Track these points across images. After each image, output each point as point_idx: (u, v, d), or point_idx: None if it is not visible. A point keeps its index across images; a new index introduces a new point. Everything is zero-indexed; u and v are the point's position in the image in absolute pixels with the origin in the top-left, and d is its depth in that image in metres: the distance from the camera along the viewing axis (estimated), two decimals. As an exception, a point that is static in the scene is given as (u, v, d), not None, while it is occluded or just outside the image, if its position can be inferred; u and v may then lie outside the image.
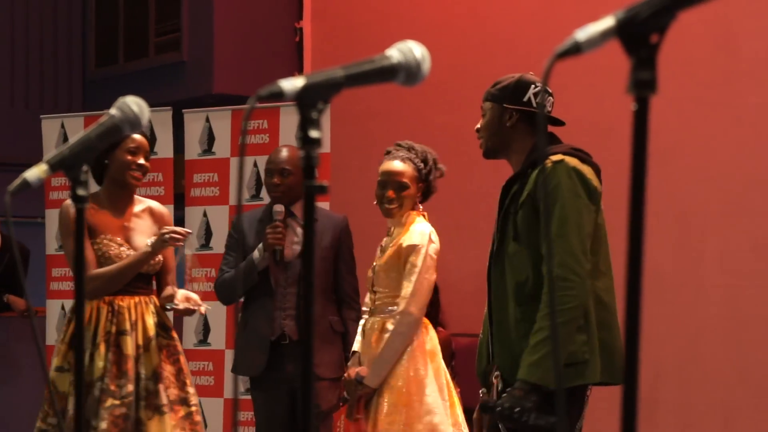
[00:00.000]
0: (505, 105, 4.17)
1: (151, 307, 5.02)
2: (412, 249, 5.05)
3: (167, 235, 4.91)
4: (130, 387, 4.80)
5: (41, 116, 8.05)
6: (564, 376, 3.92)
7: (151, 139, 7.45)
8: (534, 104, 4.17)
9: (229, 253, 5.85)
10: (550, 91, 4.25)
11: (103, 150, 4.83)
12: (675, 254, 6.71)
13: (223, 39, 9.94)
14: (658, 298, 6.57)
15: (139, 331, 4.91)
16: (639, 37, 1.51)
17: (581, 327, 3.95)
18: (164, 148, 7.44)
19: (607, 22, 1.54)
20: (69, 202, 4.80)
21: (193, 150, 7.41)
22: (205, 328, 7.42)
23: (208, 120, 7.41)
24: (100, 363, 4.81)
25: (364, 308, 5.33)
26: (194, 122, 7.44)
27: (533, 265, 3.98)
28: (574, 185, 3.97)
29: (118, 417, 4.76)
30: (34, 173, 2.27)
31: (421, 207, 5.26)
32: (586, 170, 4.03)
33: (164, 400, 4.88)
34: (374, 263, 5.22)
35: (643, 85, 1.51)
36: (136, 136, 4.96)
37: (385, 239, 5.26)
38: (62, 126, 7.79)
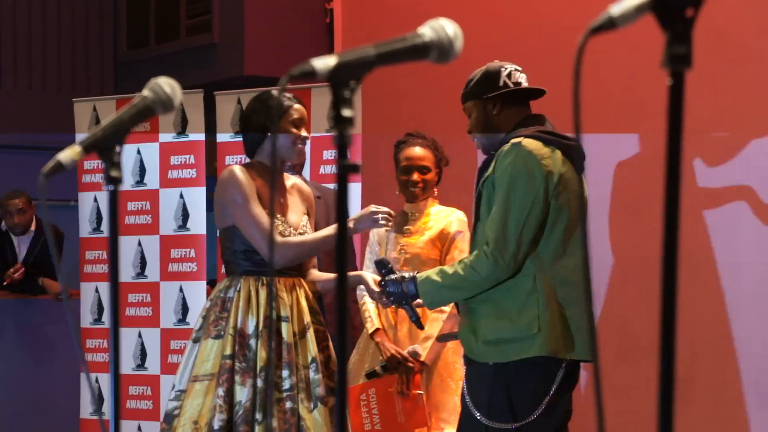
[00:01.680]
0: (485, 97, 4.28)
1: (303, 291, 4.66)
2: (458, 235, 5.35)
3: (380, 215, 4.50)
4: (294, 379, 4.50)
5: (73, 99, 8.07)
6: (513, 349, 4.12)
7: (183, 121, 7.47)
8: (511, 85, 4.30)
9: None
10: (520, 68, 4.34)
11: (265, 121, 4.61)
12: (708, 232, 6.67)
13: (254, 20, 9.93)
14: (691, 277, 6.54)
15: (295, 316, 4.58)
16: (674, 11, 1.49)
17: (534, 301, 4.11)
18: (196, 131, 7.46)
19: (642, -4, 1.53)
20: (236, 166, 4.60)
21: (225, 132, 7.42)
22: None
23: (239, 102, 7.41)
24: (263, 352, 4.47)
25: None
26: (226, 104, 7.45)
27: None
28: (522, 167, 4.08)
29: (286, 412, 4.48)
30: (68, 155, 2.28)
31: (435, 192, 5.52)
32: (546, 153, 4.12)
33: (323, 390, 4.56)
34: (400, 244, 5.36)
35: (678, 60, 1.49)
36: (299, 107, 4.67)
37: (407, 224, 5.43)
38: (94, 109, 7.81)
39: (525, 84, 4.32)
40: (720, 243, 6.71)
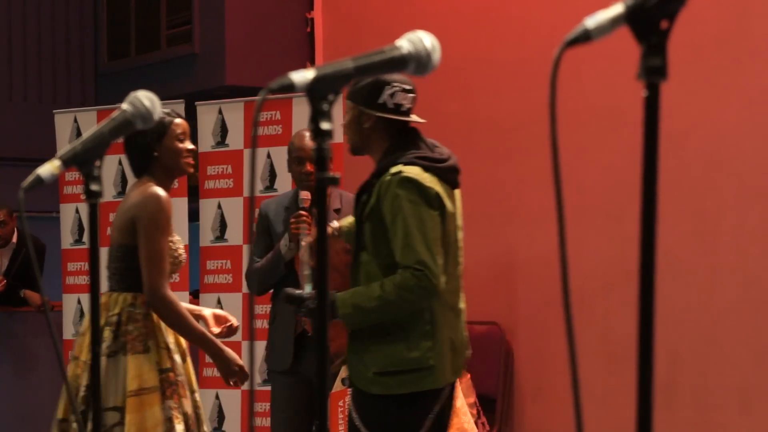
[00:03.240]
0: (361, 108, 4.25)
1: None
2: None
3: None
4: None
5: (54, 111, 8.06)
6: (407, 381, 4.13)
7: (164, 131, 7.47)
8: (390, 105, 4.25)
9: (258, 240, 5.66)
10: (410, 87, 4.30)
11: (149, 141, 4.50)
12: (690, 239, 6.70)
13: (235, 30, 9.94)
14: (673, 283, 6.56)
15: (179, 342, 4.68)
16: (649, 23, 1.50)
17: (427, 333, 4.14)
18: (177, 141, 7.46)
19: (617, 8, 1.53)
20: (161, 190, 4.44)
21: (206, 142, 7.42)
22: None
23: (220, 112, 7.42)
24: (190, 369, 4.56)
25: None
26: (207, 114, 7.45)
27: (384, 274, 4.13)
28: (412, 194, 4.09)
29: None
30: (47, 169, 2.28)
31: None
32: (426, 178, 4.14)
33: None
34: None
35: (653, 72, 1.50)
36: (180, 121, 4.60)
37: None
38: (75, 120, 7.81)
39: (407, 105, 4.28)
40: (701, 248, 6.74)
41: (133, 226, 4.47)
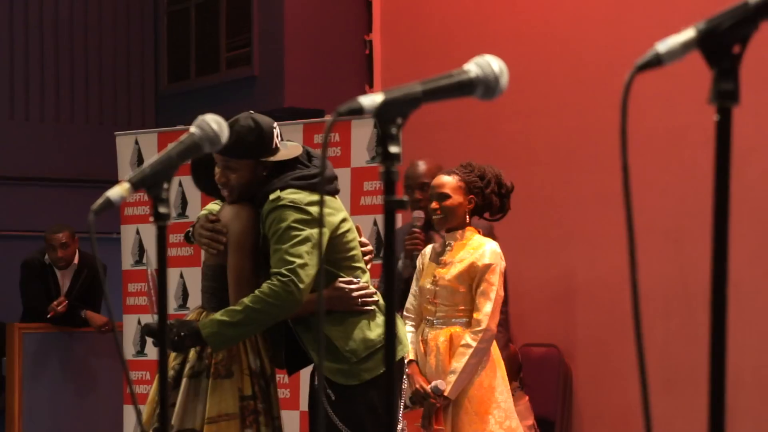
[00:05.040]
0: (261, 159, 4.33)
1: None
2: (488, 268, 5.20)
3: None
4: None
5: (115, 133, 8.12)
6: (379, 362, 4.31)
7: (224, 153, 7.51)
8: (279, 147, 4.38)
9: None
10: (274, 125, 4.43)
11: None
12: (752, 260, 6.65)
13: (294, 53, 9.98)
14: (735, 304, 6.48)
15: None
16: (721, 48, 1.50)
17: (374, 309, 4.41)
18: (237, 163, 7.49)
19: (688, 33, 1.53)
20: (249, 213, 4.46)
21: (265, 164, 7.44)
22: None
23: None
24: (277, 395, 4.60)
25: (408, 314, 5.36)
26: (266, 136, 7.47)
27: None
28: (287, 214, 4.23)
29: None
30: (117, 192, 2.30)
31: (468, 219, 5.32)
32: (303, 198, 4.27)
33: None
34: (434, 275, 5.26)
35: (725, 96, 1.50)
36: None
37: (443, 255, 5.33)
38: (136, 142, 7.86)
39: (278, 139, 4.41)
40: (762, 271, 6.68)
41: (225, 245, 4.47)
